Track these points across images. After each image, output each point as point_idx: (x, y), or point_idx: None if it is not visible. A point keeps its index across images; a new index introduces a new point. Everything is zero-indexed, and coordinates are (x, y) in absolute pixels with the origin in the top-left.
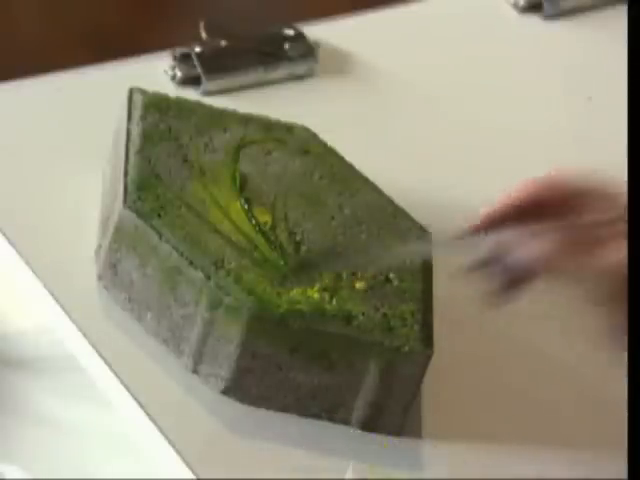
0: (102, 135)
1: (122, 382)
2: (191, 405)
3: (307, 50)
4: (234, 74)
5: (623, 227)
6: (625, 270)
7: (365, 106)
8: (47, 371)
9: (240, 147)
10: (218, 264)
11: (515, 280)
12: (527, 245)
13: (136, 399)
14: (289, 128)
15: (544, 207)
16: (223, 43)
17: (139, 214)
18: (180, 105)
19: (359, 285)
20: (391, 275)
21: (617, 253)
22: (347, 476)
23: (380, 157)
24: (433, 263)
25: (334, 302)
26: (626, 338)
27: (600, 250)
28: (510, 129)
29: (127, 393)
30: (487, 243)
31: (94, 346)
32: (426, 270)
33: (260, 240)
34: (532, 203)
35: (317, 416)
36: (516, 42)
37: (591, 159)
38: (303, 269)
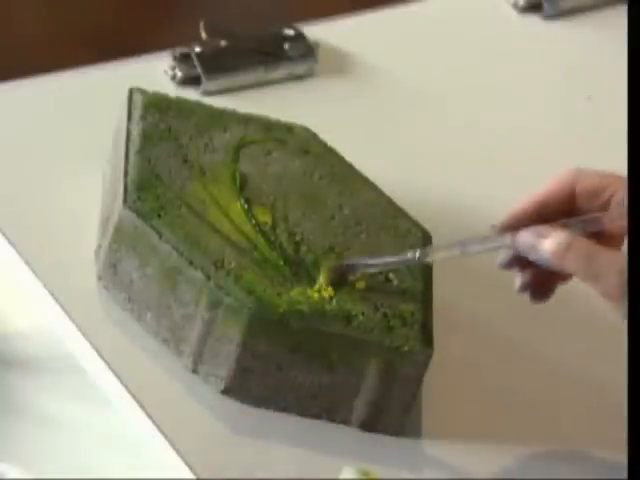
0: (102, 135)
1: (122, 382)
2: (191, 405)
3: (307, 50)
4: (234, 74)
5: None
6: None
7: (365, 106)
8: (47, 371)
9: (240, 147)
10: (218, 264)
11: (545, 277)
12: (547, 240)
13: (136, 399)
14: (289, 128)
15: (566, 204)
16: (223, 43)
17: (139, 214)
18: (180, 105)
19: (359, 285)
20: (391, 275)
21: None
22: (341, 476)
23: (380, 157)
24: (433, 263)
25: (334, 302)
26: None
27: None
28: (510, 129)
29: (127, 393)
30: (513, 241)
31: (94, 346)
32: (426, 270)
33: (260, 240)
34: (554, 200)
35: (317, 416)
36: (516, 42)
37: (591, 159)
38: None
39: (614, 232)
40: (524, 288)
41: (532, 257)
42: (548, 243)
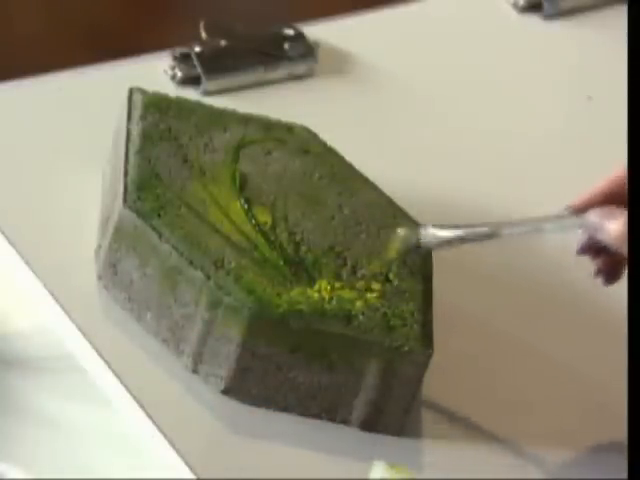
0: (102, 135)
1: (122, 382)
2: (191, 405)
3: (307, 50)
4: (234, 74)
5: None
6: None
7: (365, 106)
8: (47, 371)
9: (240, 147)
10: (218, 264)
11: (616, 260)
12: (613, 221)
13: (136, 399)
14: (289, 128)
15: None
16: (223, 43)
17: (139, 214)
18: (180, 105)
19: (359, 285)
20: (391, 275)
21: None
22: (371, 476)
23: (380, 157)
24: (433, 262)
25: (334, 302)
26: None
27: None
28: (510, 129)
29: (127, 393)
30: (583, 220)
31: (94, 346)
32: (426, 270)
33: (260, 240)
34: (620, 188)
35: (317, 416)
36: (516, 42)
37: (591, 159)
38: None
39: None
40: (597, 273)
41: (598, 237)
42: (614, 224)
